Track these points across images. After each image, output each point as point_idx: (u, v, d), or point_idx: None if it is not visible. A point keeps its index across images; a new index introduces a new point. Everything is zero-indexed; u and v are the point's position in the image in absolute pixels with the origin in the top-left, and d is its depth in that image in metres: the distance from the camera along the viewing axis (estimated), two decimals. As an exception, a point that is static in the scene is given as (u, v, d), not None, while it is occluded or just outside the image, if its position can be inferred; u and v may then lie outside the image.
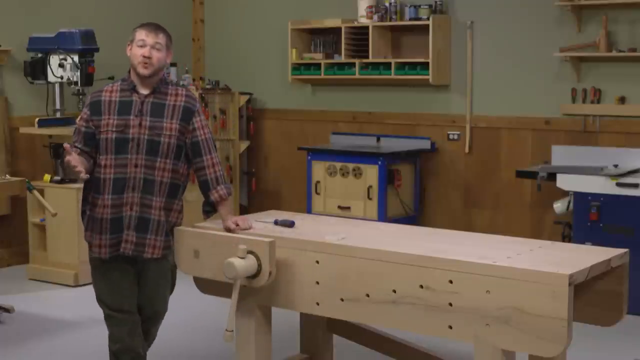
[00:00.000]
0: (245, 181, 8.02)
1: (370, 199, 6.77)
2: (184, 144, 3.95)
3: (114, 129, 3.86)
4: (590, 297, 3.58)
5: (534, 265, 3.27)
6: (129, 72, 3.97)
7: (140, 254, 3.91)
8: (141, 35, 3.89)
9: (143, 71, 3.87)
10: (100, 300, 4.00)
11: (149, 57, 3.86)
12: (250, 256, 3.65)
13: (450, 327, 3.37)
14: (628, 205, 5.62)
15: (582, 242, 5.47)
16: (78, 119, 4.01)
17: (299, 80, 7.60)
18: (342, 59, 7.18)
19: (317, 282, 3.69)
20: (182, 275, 4.14)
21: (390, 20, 7.00)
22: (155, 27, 3.94)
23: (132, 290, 3.99)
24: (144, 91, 3.93)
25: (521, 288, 3.20)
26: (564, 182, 5.87)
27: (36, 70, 6.76)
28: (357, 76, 7.11)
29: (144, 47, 3.87)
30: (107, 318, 3.99)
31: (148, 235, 3.91)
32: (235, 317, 3.74)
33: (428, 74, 6.77)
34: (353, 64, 7.12)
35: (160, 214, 3.92)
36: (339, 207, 6.88)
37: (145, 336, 4.09)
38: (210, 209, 4.04)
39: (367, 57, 7.01)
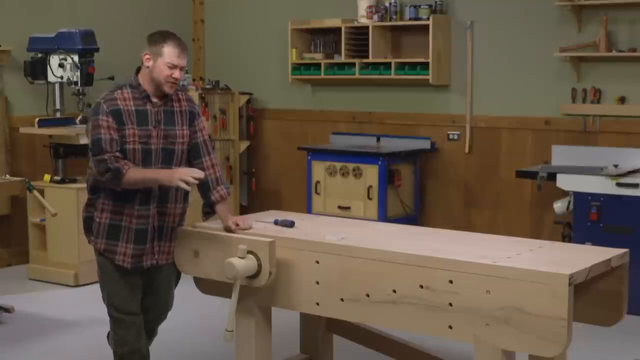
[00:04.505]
0: (245, 181, 8.02)
1: (370, 199, 6.76)
2: (190, 147, 3.98)
3: (138, 140, 3.81)
4: (590, 297, 3.58)
5: (534, 265, 3.27)
6: (137, 76, 3.87)
7: (164, 262, 3.96)
8: (172, 57, 3.79)
9: (170, 91, 3.84)
10: (111, 305, 3.97)
11: (178, 79, 3.82)
12: (250, 256, 3.66)
13: (450, 327, 3.37)
14: (628, 205, 5.62)
15: (582, 242, 5.47)
16: (101, 129, 3.75)
17: (299, 80, 7.60)
18: (342, 59, 7.18)
19: (317, 282, 3.69)
20: (182, 275, 4.15)
21: (390, 20, 7.00)
22: (184, 48, 3.84)
23: (139, 292, 4.00)
24: (156, 100, 3.88)
25: (521, 288, 3.20)
26: (564, 182, 5.87)
27: (36, 70, 6.76)
28: (357, 76, 7.11)
29: (174, 69, 3.80)
30: (117, 321, 3.97)
31: (167, 242, 3.96)
32: (235, 317, 3.74)
33: (428, 74, 6.77)
34: (353, 64, 7.12)
35: (175, 220, 3.97)
36: (339, 207, 6.88)
37: (149, 335, 4.12)
38: (210, 210, 4.04)
39: (367, 57, 7.01)
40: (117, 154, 3.75)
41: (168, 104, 3.92)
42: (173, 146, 3.90)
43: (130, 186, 3.78)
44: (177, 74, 3.81)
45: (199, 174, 3.75)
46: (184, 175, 3.71)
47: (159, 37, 3.84)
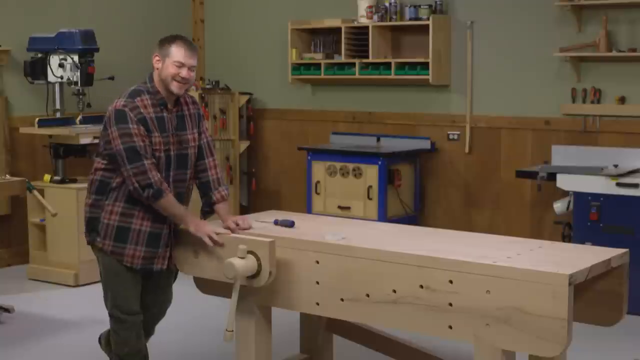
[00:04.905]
0: (245, 181, 8.02)
1: (370, 199, 6.76)
2: None
3: (162, 147, 3.83)
4: (590, 297, 3.58)
5: (534, 265, 3.27)
6: (152, 81, 3.87)
7: (172, 265, 3.98)
8: (179, 55, 3.81)
9: (178, 91, 3.85)
10: (114, 305, 3.96)
11: (186, 79, 3.83)
12: (250, 256, 3.66)
13: (450, 327, 3.37)
14: (628, 205, 5.61)
15: (582, 242, 5.47)
16: (132, 137, 3.73)
17: (299, 80, 7.60)
18: (342, 59, 7.18)
19: (317, 282, 3.69)
20: (182, 275, 4.15)
21: (390, 20, 7.00)
22: (192, 48, 3.87)
23: (140, 291, 4.01)
24: (171, 106, 3.91)
25: (521, 288, 3.20)
26: (564, 182, 5.87)
27: (36, 70, 6.75)
28: (357, 76, 7.10)
29: (181, 68, 3.81)
30: (118, 322, 3.96)
31: (173, 245, 3.97)
32: (235, 317, 3.74)
33: (428, 74, 6.77)
34: (353, 64, 7.11)
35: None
36: (339, 207, 6.88)
37: (146, 333, 4.12)
38: (209, 210, 4.06)
39: (367, 57, 7.01)
40: (154, 160, 3.78)
41: (180, 109, 3.95)
42: (187, 151, 3.93)
43: (156, 207, 3.81)
44: (184, 72, 3.82)
45: (224, 232, 3.84)
46: (212, 233, 3.79)
47: (168, 39, 3.88)
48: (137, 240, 3.87)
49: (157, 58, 3.86)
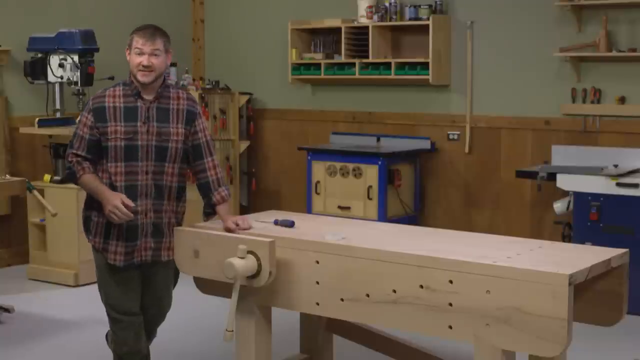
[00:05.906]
0: (245, 181, 8.02)
1: (370, 199, 6.77)
2: (188, 147, 3.97)
3: (122, 136, 3.83)
4: (590, 297, 3.58)
5: (534, 265, 3.27)
6: (130, 75, 3.92)
7: (157, 259, 3.96)
8: (138, 43, 3.83)
9: (143, 79, 3.84)
10: (108, 304, 3.98)
11: (148, 66, 3.83)
12: (250, 256, 3.65)
13: (450, 327, 3.36)
14: (628, 205, 5.62)
15: (582, 242, 5.47)
16: (79, 124, 3.94)
17: (299, 80, 7.60)
18: (342, 59, 7.18)
19: (317, 282, 3.69)
20: (182, 275, 4.15)
21: (390, 20, 7.01)
22: (151, 33, 3.85)
23: (138, 292, 4.01)
24: (148, 96, 3.89)
25: (521, 288, 3.19)
26: (564, 182, 5.87)
27: (36, 70, 6.75)
28: (357, 76, 7.11)
29: (141, 55, 3.82)
30: (115, 322, 3.97)
31: (163, 239, 3.96)
32: (235, 317, 3.74)
33: (428, 74, 6.77)
34: (353, 64, 7.12)
35: (170, 216, 3.97)
36: (339, 207, 6.88)
37: (148, 335, 4.12)
38: (210, 211, 4.04)
39: (367, 57, 7.01)
40: (82, 153, 3.88)
41: (162, 101, 3.92)
42: (167, 144, 3.90)
43: (84, 189, 3.96)
44: (145, 60, 3.82)
45: (129, 210, 3.79)
46: (115, 209, 3.77)
47: (131, 32, 3.93)
48: (118, 236, 3.88)
49: (127, 52, 3.91)
